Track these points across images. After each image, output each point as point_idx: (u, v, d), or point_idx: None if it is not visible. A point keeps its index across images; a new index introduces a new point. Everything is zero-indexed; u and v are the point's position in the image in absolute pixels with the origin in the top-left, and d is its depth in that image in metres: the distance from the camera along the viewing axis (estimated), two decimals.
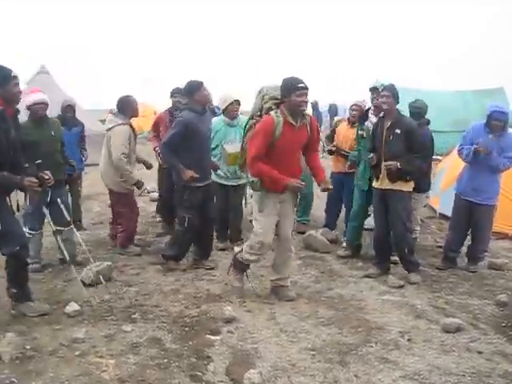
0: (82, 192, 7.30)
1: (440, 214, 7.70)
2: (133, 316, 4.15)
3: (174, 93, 6.43)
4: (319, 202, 7.52)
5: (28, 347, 3.55)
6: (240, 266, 4.68)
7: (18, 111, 4.04)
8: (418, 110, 5.94)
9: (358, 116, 6.10)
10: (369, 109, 5.91)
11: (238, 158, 4.76)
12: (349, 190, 6.09)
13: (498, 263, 5.59)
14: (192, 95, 5.10)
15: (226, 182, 6.06)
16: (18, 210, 4.19)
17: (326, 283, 5.05)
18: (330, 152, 6.67)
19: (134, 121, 5.87)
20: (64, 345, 3.63)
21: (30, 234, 5.03)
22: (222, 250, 6.04)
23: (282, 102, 4.26)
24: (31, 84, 14.06)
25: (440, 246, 6.17)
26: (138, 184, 5.76)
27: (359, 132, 5.77)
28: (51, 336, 3.77)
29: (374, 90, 5.83)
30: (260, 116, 4.36)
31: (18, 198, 4.12)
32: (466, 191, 5.43)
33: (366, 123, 5.74)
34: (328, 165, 7.05)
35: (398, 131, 4.93)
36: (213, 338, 3.79)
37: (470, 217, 5.43)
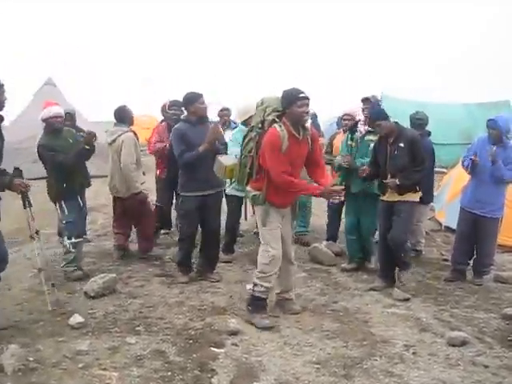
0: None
1: (445, 226, 7.64)
2: (137, 328, 4.15)
3: (172, 105, 6.57)
4: (319, 211, 7.55)
5: (31, 359, 3.55)
6: (259, 304, 4.37)
7: (2, 118, 4.12)
8: (420, 122, 5.96)
9: (350, 126, 5.97)
10: (358, 121, 5.82)
11: (234, 170, 4.63)
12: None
13: (504, 276, 5.55)
14: (188, 107, 5.22)
15: (242, 195, 5.80)
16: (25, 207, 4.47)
17: (331, 296, 5.02)
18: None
19: (138, 132, 6.04)
20: (67, 357, 3.63)
21: (76, 241, 5.33)
22: (227, 262, 6.01)
23: (284, 113, 4.21)
24: (38, 95, 14.26)
25: (446, 259, 6.14)
26: (141, 195, 5.82)
27: (348, 142, 5.71)
28: (54, 348, 3.77)
29: (365, 100, 5.85)
30: (261, 128, 4.27)
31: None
32: (471, 203, 5.40)
33: (355, 134, 5.67)
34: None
35: (401, 145, 4.92)
36: (217, 350, 3.78)
37: (475, 229, 5.41)
